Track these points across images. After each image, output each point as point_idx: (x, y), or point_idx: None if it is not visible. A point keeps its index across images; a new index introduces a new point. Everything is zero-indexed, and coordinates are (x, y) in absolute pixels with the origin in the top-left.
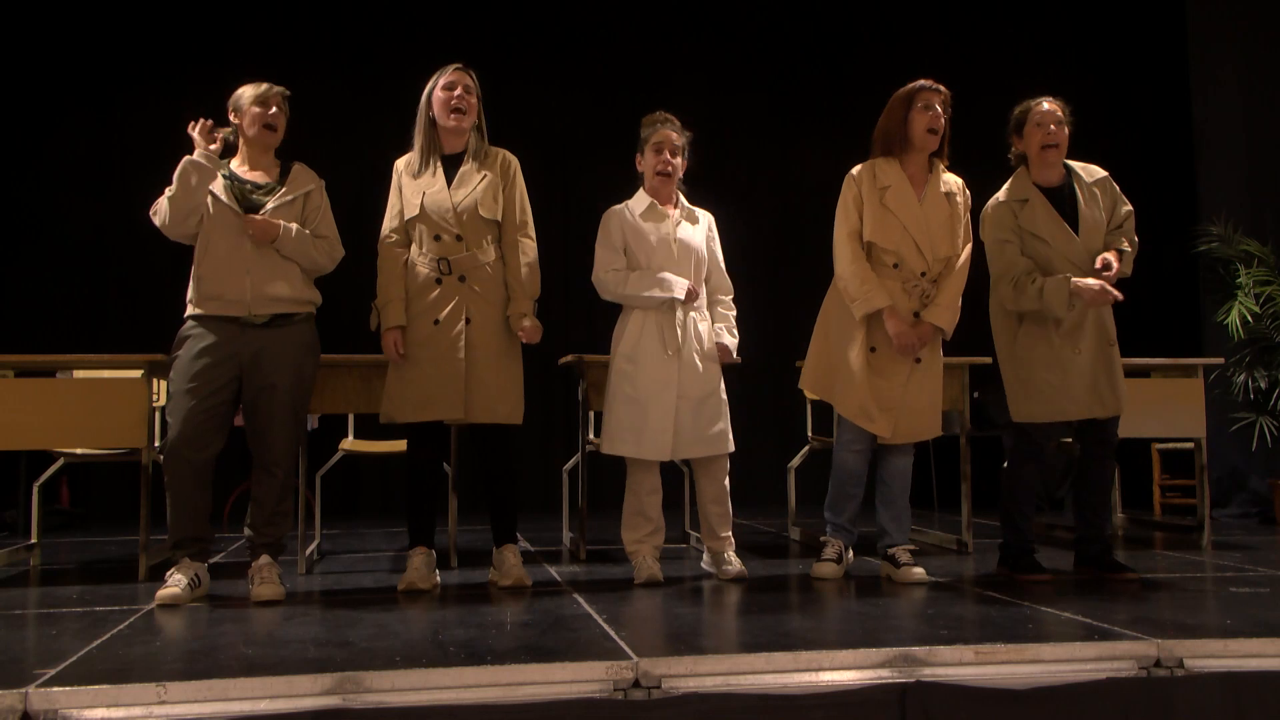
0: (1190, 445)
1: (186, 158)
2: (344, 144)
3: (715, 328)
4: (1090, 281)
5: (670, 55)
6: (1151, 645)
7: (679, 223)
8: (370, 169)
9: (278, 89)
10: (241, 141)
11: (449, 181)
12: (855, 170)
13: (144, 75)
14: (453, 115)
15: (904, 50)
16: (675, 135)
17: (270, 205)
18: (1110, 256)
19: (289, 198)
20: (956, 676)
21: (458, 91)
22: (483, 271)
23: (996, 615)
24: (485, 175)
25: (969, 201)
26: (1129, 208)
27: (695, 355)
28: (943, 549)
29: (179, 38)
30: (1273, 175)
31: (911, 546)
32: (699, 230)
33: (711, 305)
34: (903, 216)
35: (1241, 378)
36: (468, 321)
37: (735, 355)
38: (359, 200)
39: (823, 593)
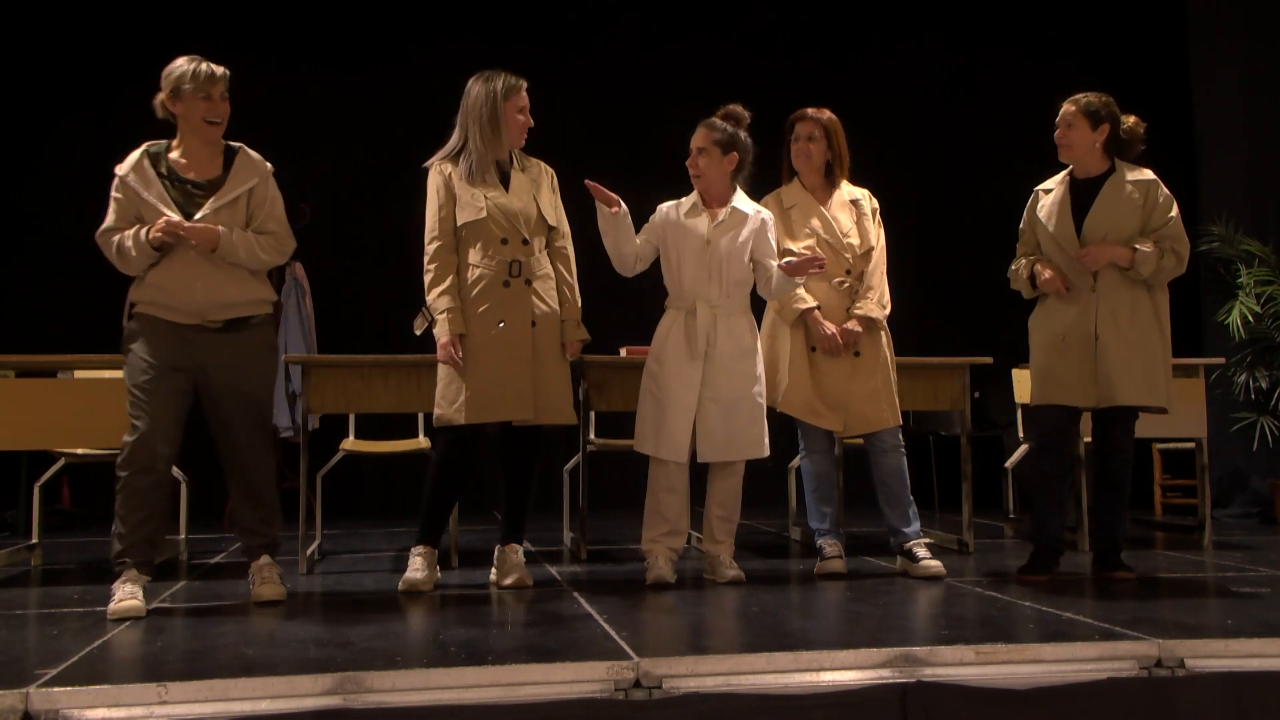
0: (1191, 445)
1: (142, 238)
2: (345, 145)
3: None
4: (1046, 269)
5: (670, 55)
6: (1153, 645)
7: (721, 224)
8: (372, 169)
9: (220, 73)
10: (179, 130)
11: (505, 187)
12: (763, 200)
13: (144, 75)
14: (522, 140)
15: (904, 51)
16: (703, 134)
17: (206, 210)
18: (1096, 248)
19: (230, 197)
20: (957, 676)
21: (527, 117)
22: (545, 275)
23: (997, 615)
24: (537, 182)
25: (877, 206)
26: (1173, 215)
27: (727, 357)
28: (943, 549)
29: (179, 37)
30: (1274, 175)
31: (927, 540)
32: (744, 233)
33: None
34: (812, 225)
35: (1242, 378)
36: (533, 324)
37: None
38: (361, 202)
39: (823, 593)
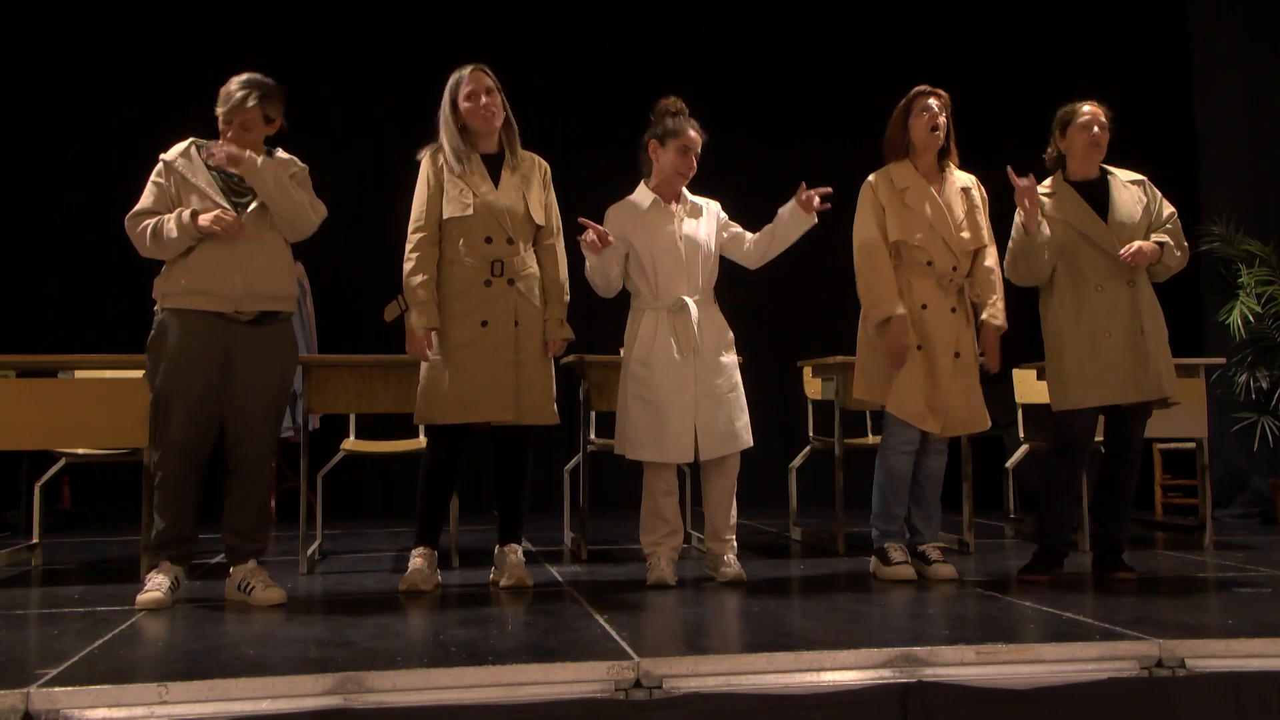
0: (1192, 445)
1: (190, 222)
2: (345, 144)
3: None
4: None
5: (670, 55)
6: (1153, 645)
7: (683, 219)
8: (372, 168)
9: (240, 98)
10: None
11: (495, 183)
12: (871, 177)
13: (144, 75)
14: (484, 123)
15: (905, 50)
16: (698, 135)
17: (256, 202)
18: (1140, 245)
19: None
20: (958, 676)
21: (483, 100)
22: (530, 274)
23: (998, 615)
24: (528, 179)
25: (985, 196)
26: (1172, 210)
27: (713, 351)
28: (944, 549)
29: (179, 37)
30: (1274, 175)
31: (941, 544)
32: (705, 223)
33: (757, 238)
34: (926, 214)
35: (1243, 378)
36: (515, 324)
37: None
38: (361, 202)
39: (824, 593)
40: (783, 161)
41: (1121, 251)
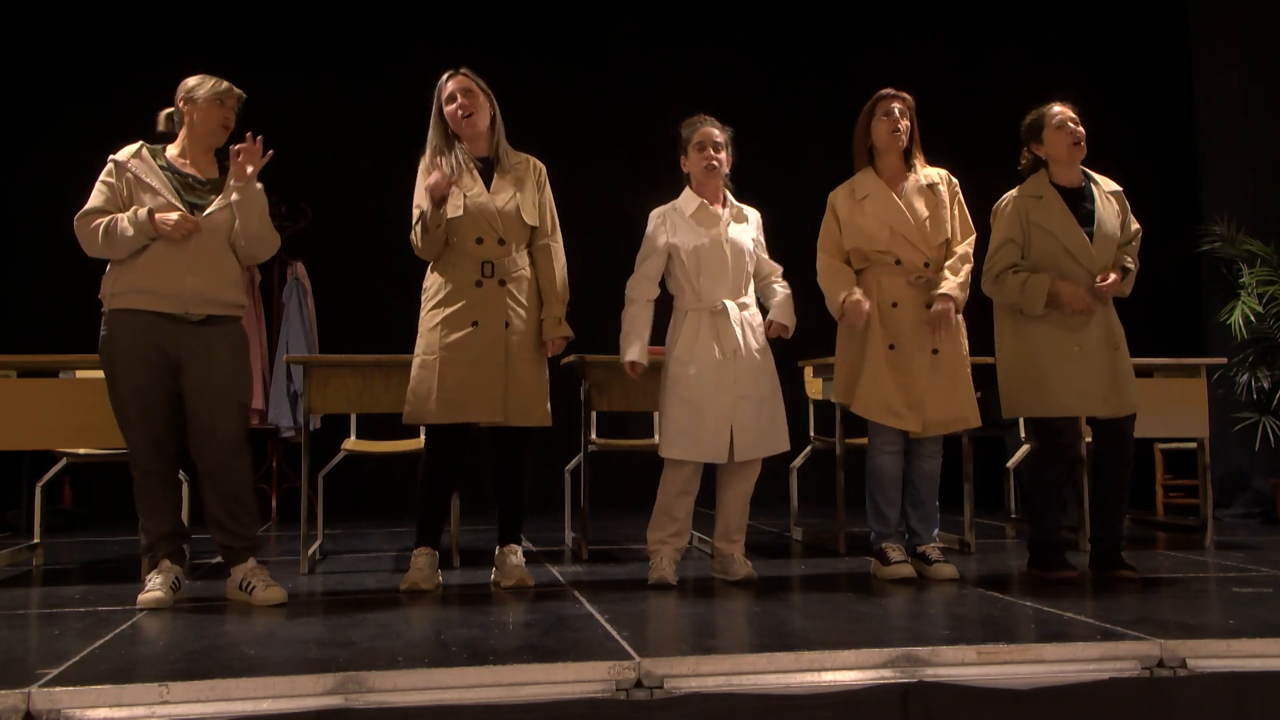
0: (1193, 445)
1: (146, 220)
2: (345, 145)
3: (774, 303)
4: (1072, 286)
5: (670, 56)
6: (1155, 645)
7: (729, 223)
8: (372, 169)
9: (236, 91)
10: (185, 134)
11: (487, 185)
12: (832, 193)
13: (143, 75)
14: (465, 124)
15: (905, 52)
16: (716, 131)
17: (214, 206)
18: (1113, 274)
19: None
20: (959, 677)
21: (460, 101)
22: (521, 275)
23: (999, 615)
24: (521, 180)
25: (957, 188)
26: (1138, 227)
27: (755, 354)
28: (945, 549)
29: (177, 38)
30: (1276, 175)
31: (941, 544)
32: (748, 229)
33: (766, 289)
34: (886, 217)
35: (1244, 378)
36: (506, 325)
37: (787, 333)
38: (361, 202)
39: (824, 593)
40: (782, 162)
41: (1098, 282)
